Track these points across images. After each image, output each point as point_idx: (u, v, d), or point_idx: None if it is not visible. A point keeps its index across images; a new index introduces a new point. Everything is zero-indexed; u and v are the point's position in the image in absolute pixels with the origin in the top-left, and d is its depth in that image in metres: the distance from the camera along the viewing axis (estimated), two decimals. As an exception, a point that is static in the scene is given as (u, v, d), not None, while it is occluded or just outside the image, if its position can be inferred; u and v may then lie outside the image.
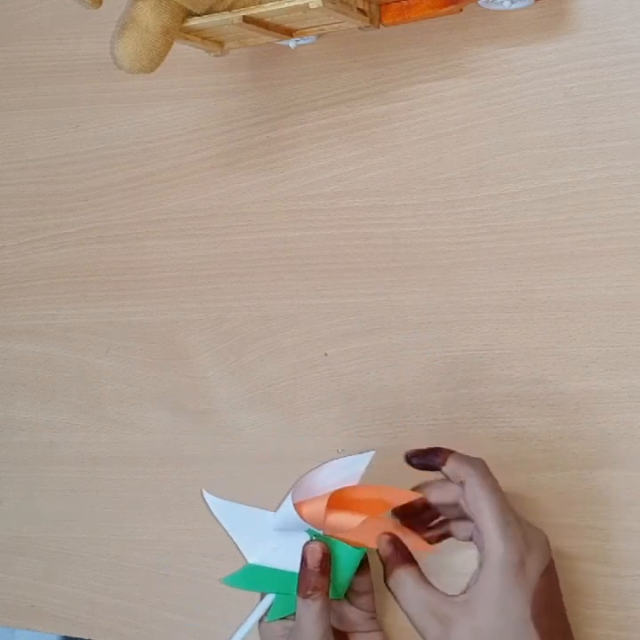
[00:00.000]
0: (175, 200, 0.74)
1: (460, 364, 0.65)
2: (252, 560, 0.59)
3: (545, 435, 0.63)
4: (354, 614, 0.61)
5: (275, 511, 0.58)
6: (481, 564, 0.54)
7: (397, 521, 0.59)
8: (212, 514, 0.60)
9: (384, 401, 0.67)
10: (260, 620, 0.60)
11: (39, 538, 0.80)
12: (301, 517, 0.57)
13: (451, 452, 0.57)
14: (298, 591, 0.57)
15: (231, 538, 0.60)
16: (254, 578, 0.59)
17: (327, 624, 0.57)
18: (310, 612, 0.57)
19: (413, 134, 0.66)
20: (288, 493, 0.57)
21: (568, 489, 0.62)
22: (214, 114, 0.72)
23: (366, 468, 0.58)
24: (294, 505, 0.57)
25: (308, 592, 0.57)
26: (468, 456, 0.57)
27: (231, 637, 0.60)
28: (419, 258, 0.66)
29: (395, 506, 0.58)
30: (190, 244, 0.74)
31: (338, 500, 0.58)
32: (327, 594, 0.57)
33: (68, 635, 0.79)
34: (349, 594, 0.61)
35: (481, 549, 0.54)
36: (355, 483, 0.58)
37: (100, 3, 0.55)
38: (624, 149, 0.60)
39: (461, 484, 0.56)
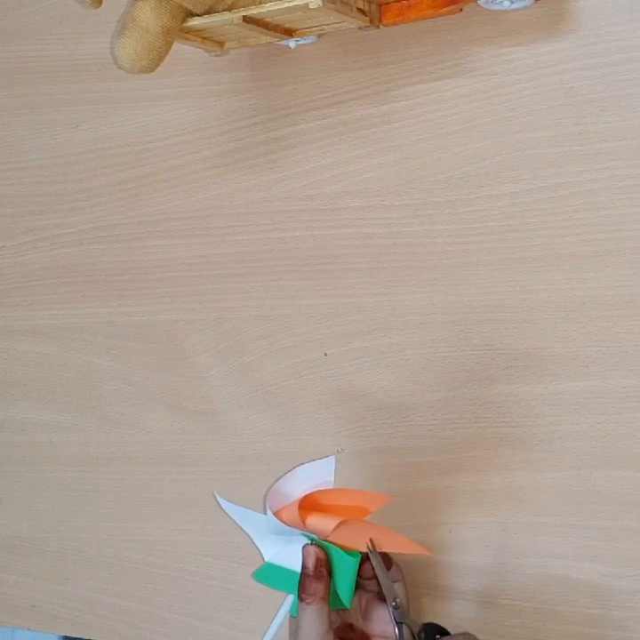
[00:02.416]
0: (175, 200, 0.74)
1: (459, 364, 0.65)
2: (267, 558, 0.60)
3: (545, 434, 0.63)
4: (384, 614, 0.59)
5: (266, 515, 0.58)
6: None
7: (381, 526, 0.59)
8: (228, 514, 0.60)
9: (384, 401, 0.67)
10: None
11: (39, 538, 0.80)
12: (285, 524, 0.57)
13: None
14: (297, 593, 0.57)
15: (248, 536, 0.60)
16: (272, 576, 0.60)
17: (325, 627, 0.57)
18: (307, 615, 0.57)
19: (413, 134, 0.66)
20: (265, 502, 0.58)
21: (568, 489, 0.62)
22: (214, 114, 0.72)
23: (336, 473, 0.58)
24: (274, 513, 0.57)
25: (303, 596, 0.57)
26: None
27: (265, 632, 0.59)
28: (419, 258, 0.66)
29: (373, 510, 0.58)
30: (190, 244, 0.74)
31: (314, 504, 0.58)
32: (323, 598, 0.57)
33: (67, 635, 0.79)
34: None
35: None
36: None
37: (100, 3, 0.55)
38: (624, 149, 0.60)
39: None
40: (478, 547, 0.64)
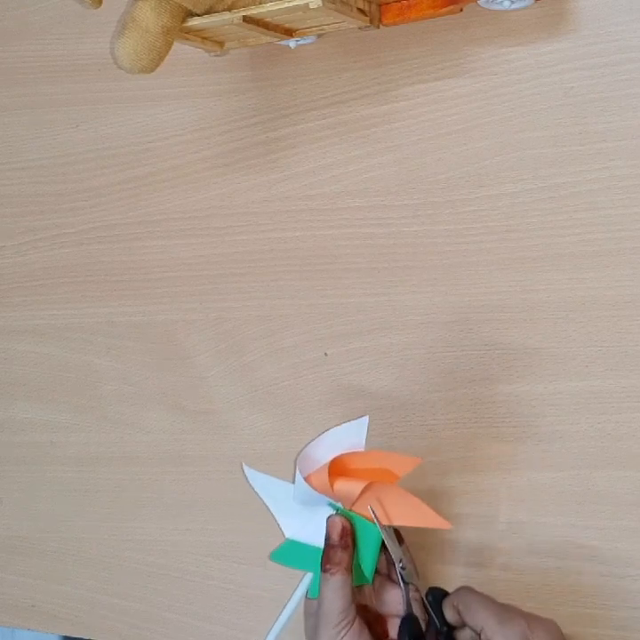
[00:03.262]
0: (175, 200, 0.74)
1: (460, 363, 0.65)
2: (288, 535, 0.60)
3: (545, 435, 0.63)
4: (398, 595, 0.59)
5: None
6: None
7: (407, 492, 0.58)
8: (252, 488, 0.60)
9: (384, 401, 0.67)
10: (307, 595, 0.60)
11: (39, 538, 0.80)
12: (315, 489, 0.57)
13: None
14: (320, 565, 0.57)
15: (270, 512, 0.60)
16: (292, 554, 0.60)
17: (348, 599, 0.56)
18: (330, 587, 0.56)
19: (413, 134, 0.66)
20: (296, 467, 0.57)
21: (568, 489, 0.62)
22: (214, 114, 0.72)
23: (367, 435, 0.58)
24: (305, 478, 0.57)
25: (328, 566, 0.57)
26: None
27: (279, 615, 0.60)
28: (419, 258, 0.66)
29: (402, 475, 0.58)
30: (190, 244, 0.74)
31: (343, 469, 0.57)
32: (347, 569, 0.57)
33: (68, 635, 0.79)
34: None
35: None
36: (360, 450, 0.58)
37: (100, 3, 0.55)
38: (624, 149, 0.60)
39: (456, 608, 0.56)
40: (478, 547, 0.64)
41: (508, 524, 0.64)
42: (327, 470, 0.56)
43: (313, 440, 0.58)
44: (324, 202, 0.69)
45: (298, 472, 0.57)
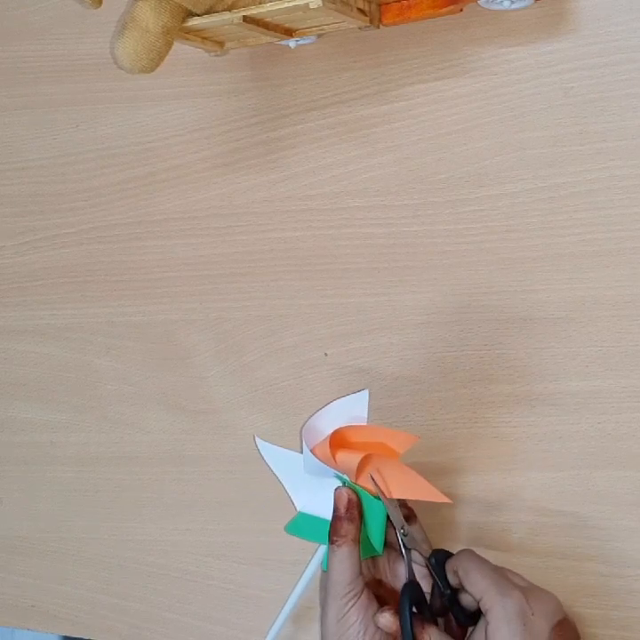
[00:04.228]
0: (175, 200, 0.74)
1: (459, 363, 0.65)
2: (299, 508, 0.60)
3: (545, 435, 0.63)
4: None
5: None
6: (488, 623, 0.53)
7: (406, 466, 0.58)
8: (264, 461, 0.61)
9: (384, 401, 0.67)
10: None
11: (39, 538, 0.80)
12: (319, 460, 0.57)
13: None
14: (328, 537, 0.57)
15: (281, 484, 0.61)
16: (305, 526, 0.60)
17: (355, 571, 0.57)
18: (337, 558, 0.57)
19: (413, 134, 0.66)
20: (302, 438, 0.58)
21: (568, 489, 0.62)
22: (214, 114, 0.72)
23: (369, 408, 0.59)
24: (311, 450, 0.57)
25: (335, 538, 0.57)
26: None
27: (295, 586, 0.61)
28: (419, 258, 0.66)
29: (402, 452, 0.58)
30: (190, 244, 0.74)
31: (344, 441, 0.58)
32: (354, 541, 0.57)
33: (67, 635, 0.79)
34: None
35: (485, 612, 0.54)
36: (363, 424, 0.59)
37: (100, 3, 0.55)
38: (624, 149, 0.60)
39: (456, 573, 0.56)
40: (478, 547, 0.64)
41: (508, 523, 0.64)
42: (328, 442, 0.57)
43: (316, 411, 0.59)
44: (323, 202, 0.69)
45: (304, 443, 0.58)
